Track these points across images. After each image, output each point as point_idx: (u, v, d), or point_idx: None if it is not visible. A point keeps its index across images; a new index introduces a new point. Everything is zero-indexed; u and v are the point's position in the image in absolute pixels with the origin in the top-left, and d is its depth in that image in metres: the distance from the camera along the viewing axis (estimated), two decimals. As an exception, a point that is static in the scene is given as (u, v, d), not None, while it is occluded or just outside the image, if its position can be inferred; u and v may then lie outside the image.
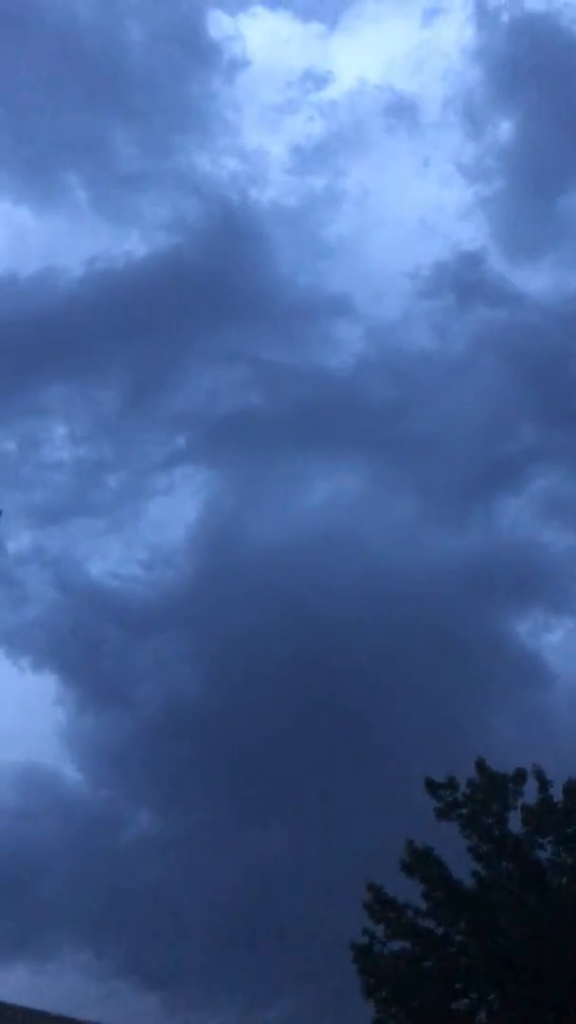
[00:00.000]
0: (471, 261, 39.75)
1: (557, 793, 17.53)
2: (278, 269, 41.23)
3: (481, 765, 17.93)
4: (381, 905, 17.08)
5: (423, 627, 34.65)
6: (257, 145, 43.16)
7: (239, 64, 42.87)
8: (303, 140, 43.10)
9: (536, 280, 40.09)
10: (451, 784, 17.84)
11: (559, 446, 38.10)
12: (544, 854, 17.17)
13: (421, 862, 17.17)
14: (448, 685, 32.81)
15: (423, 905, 16.91)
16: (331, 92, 43.46)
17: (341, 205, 42.30)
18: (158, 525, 39.12)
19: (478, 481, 38.40)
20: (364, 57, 49.34)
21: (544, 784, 17.60)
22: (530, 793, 17.64)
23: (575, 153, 42.49)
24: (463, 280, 39.52)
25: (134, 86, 42.12)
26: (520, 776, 17.77)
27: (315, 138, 43.01)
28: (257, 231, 41.22)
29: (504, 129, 41.15)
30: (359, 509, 39.05)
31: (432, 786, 17.88)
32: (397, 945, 16.88)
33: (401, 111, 42.85)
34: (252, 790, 30.47)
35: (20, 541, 37.27)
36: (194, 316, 40.89)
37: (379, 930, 16.87)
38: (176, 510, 39.48)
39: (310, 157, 42.77)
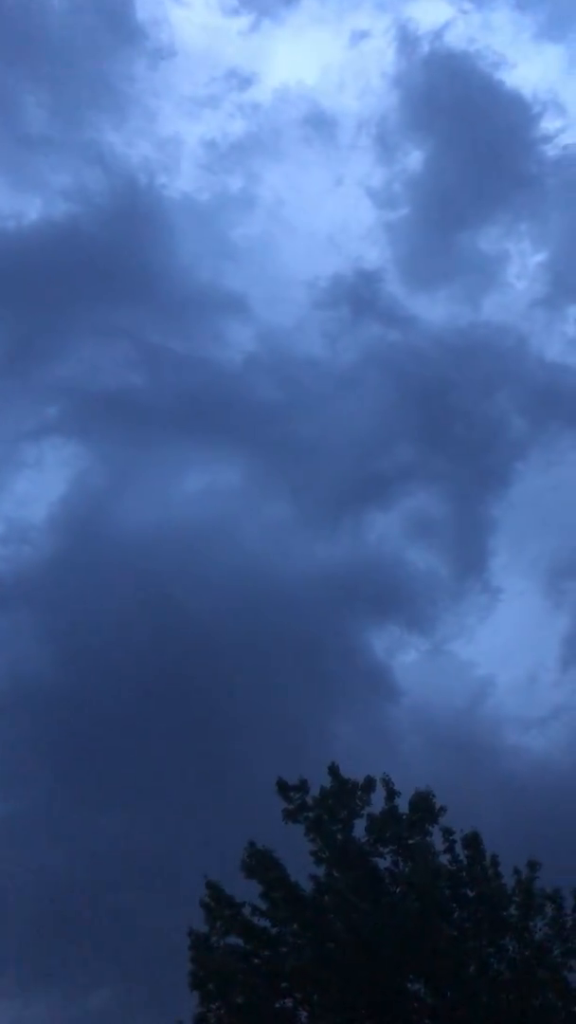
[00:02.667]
0: (369, 279, 40.66)
1: (403, 804, 18.04)
2: (178, 258, 41.05)
3: (334, 771, 18.24)
4: (218, 902, 17.12)
5: (282, 629, 35.10)
6: (172, 134, 42.82)
7: (164, 52, 42.48)
8: (219, 137, 43.01)
9: (429, 309, 41.36)
10: (301, 787, 18.07)
11: (432, 469, 39.41)
12: (384, 863, 17.62)
13: (261, 863, 17.29)
14: (300, 689, 33.35)
15: (262, 904, 17.02)
16: (254, 94, 43.63)
17: (251, 209, 42.54)
18: (20, 498, 38.04)
19: (351, 493, 39.23)
20: (291, 65, 49.77)
21: (392, 794, 18.07)
22: (378, 802, 18.10)
23: (479, 192, 43.89)
24: (359, 296, 40.45)
25: (52, 52, 41.15)
26: (369, 784, 18.18)
27: (232, 137, 43.02)
28: (162, 218, 40.96)
29: (414, 158, 42.24)
30: (232, 504, 39.22)
31: (283, 787, 18.05)
32: (231, 942, 16.96)
33: (320, 124, 43.44)
34: (92, 774, 29.99)
35: None
36: (83, 289, 40.21)
37: (215, 926, 16.88)
38: (41, 484, 38.50)
39: (225, 155, 42.73)
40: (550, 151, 41.26)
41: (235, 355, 39.99)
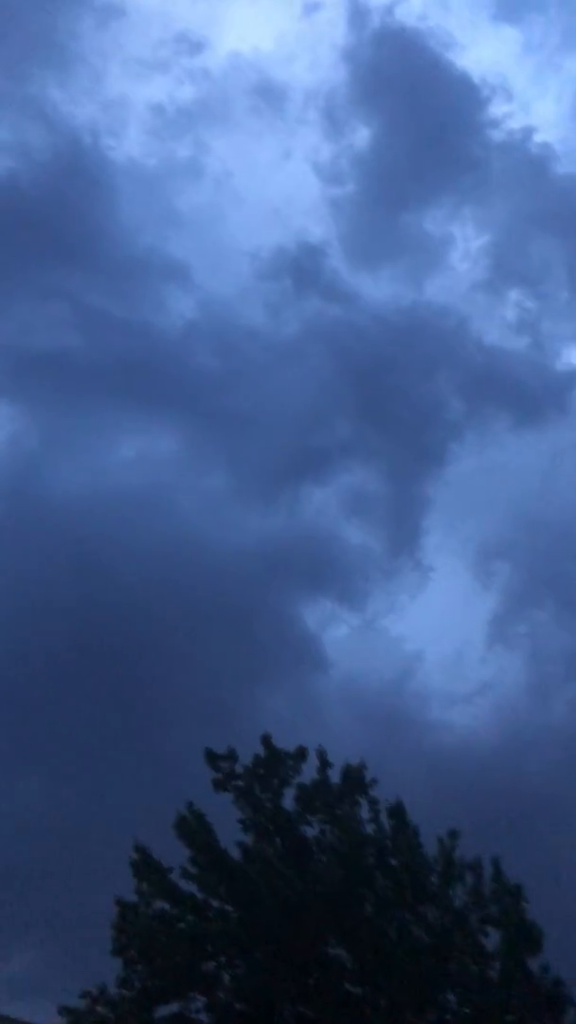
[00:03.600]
0: (312, 253, 40.52)
1: (335, 775, 18.31)
2: (121, 222, 40.29)
3: (266, 740, 18.41)
4: (146, 866, 17.20)
5: (214, 599, 35.09)
6: (118, 96, 41.87)
7: (114, 10, 41.37)
8: (167, 102, 42.25)
9: (372, 287, 41.46)
10: (230, 756, 18.22)
11: (370, 446, 39.67)
12: (312, 832, 17.90)
13: (192, 827, 17.42)
14: (230, 659, 33.46)
15: (191, 870, 17.16)
16: (205, 59, 42.87)
17: (198, 177, 41.93)
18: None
19: (289, 466, 39.24)
20: (243, 32, 49.04)
21: (324, 764, 18.33)
22: (309, 772, 18.34)
23: (424, 172, 44.01)
24: (302, 269, 40.25)
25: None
26: (300, 754, 18.41)
27: (181, 102, 42.28)
28: (106, 180, 40.08)
29: (361, 135, 42.12)
30: (168, 473, 38.94)
31: (212, 757, 18.17)
32: (157, 906, 17.08)
33: (270, 95, 42.88)
34: (15, 739, 29.66)
35: None
36: (20, 246, 39.15)
37: (142, 889, 16.98)
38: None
39: (173, 121, 42.00)
40: (496, 135, 41.55)
41: (175, 322, 39.59)
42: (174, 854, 17.58)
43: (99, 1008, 16.02)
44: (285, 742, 18.56)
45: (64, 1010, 15.71)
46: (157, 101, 42.11)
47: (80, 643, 32.43)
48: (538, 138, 41.78)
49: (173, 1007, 16.51)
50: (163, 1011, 16.42)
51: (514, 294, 40.72)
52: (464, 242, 41.84)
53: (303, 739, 18.85)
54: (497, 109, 42.29)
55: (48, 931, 21.16)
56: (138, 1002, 16.20)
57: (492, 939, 17.06)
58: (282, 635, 35.09)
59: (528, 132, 42.05)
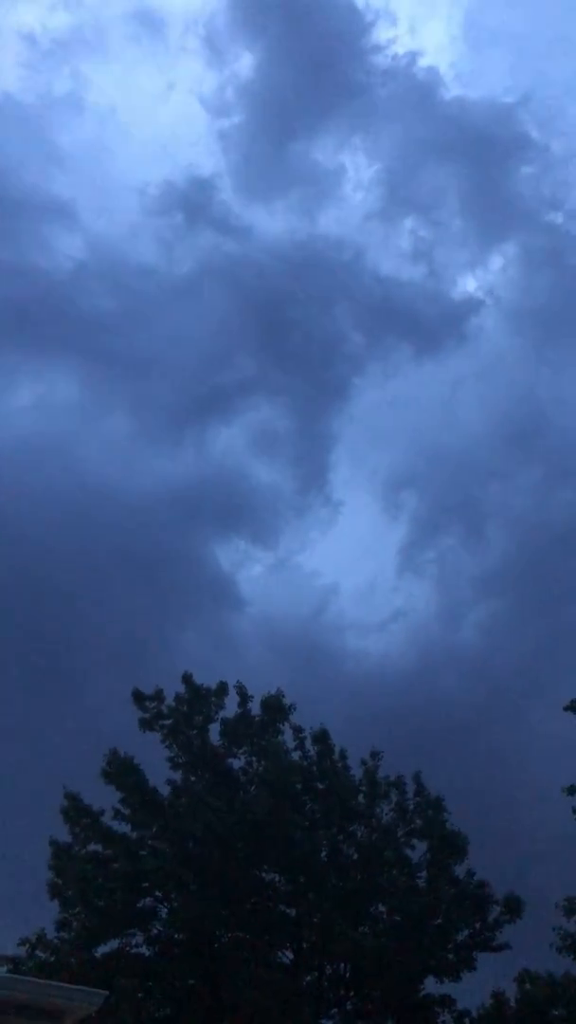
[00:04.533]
0: (202, 186, 39.56)
1: (255, 708, 18.63)
2: (-1, 161, 38.39)
3: (187, 679, 18.54)
4: (77, 811, 17.26)
5: (125, 545, 34.79)
6: None
7: None
8: (40, 31, 40.21)
9: (265, 220, 40.86)
10: (157, 696, 18.30)
11: (273, 383, 39.48)
12: (238, 764, 18.25)
13: (120, 771, 17.51)
14: (144, 603, 33.38)
15: (123, 811, 17.29)
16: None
17: (79, 112, 40.20)
18: None
19: (192, 406, 38.82)
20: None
21: (244, 699, 18.61)
22: (231, 708, 18.62)
23: (312, 101, 43.23)
24: (192, 202, 39.25)
25: None
26: (222, 690, 18.63)
27: (55, 32, 40.28)
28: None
29: (245, 63, 41.02)
30: (69, 418, 38.05)
31: (139, 697, 18.21)
32: (91, 848, 17.21)
33: (148, 23, 41.25)
34: None
35: None
36: None
37: (76, 834, 17.07)
38: None
39: (48, 52, 40.00)
40: (381, 61, 41.03)
41: (63, 263, 38.23)
42: (105, 796, 17.72)
43: (39, 953, 16.13)
44: (206, 680, 18.72)
45: (2, 959, 15.75)
46: (28, 30, 40.06)
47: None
48: (424, 62, 41.54)
49: (113, 944, 16.76)
50: (103, 949, 16.65)
51: (408, 223, 40.73)
52: (355, 171, 41.59)
53: (223, 677, 19.04)
54: (382, 34, 41.71)
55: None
56: (78, 943, 16.39)
57: (418, 851, 17.83)
58: (196, 576, 35.14)
59: (414, 57, 41.77)
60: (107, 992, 10.07)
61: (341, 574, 38.26)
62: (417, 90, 39.77)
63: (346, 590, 35.86)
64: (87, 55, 41.39)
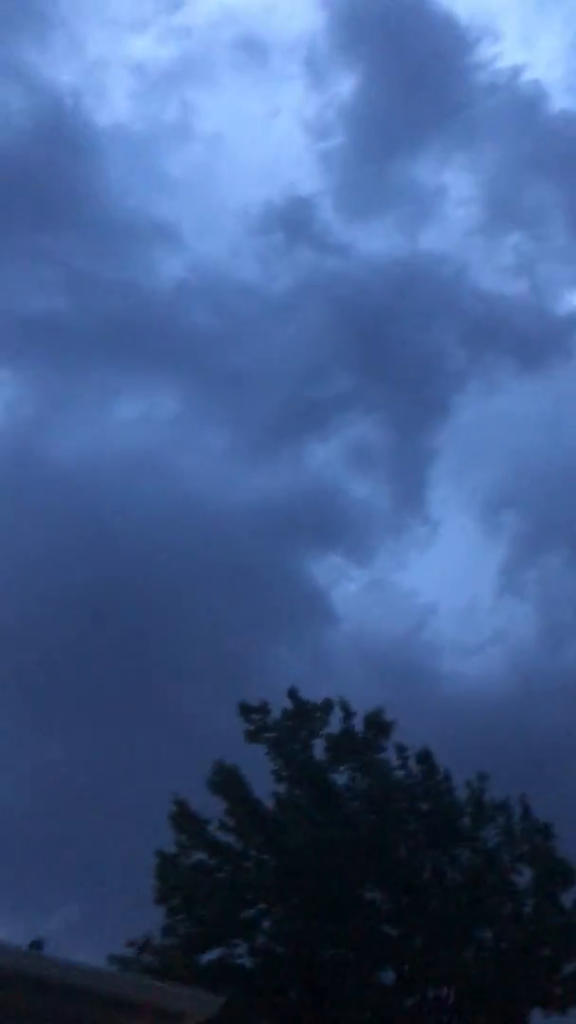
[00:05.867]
0: (303, 205, 39.93)
1: (359, 724, 18.61)
2: (107, 185, 39.62)
3: (293, 693, 18.66)
4: (185, 819, 17.50)
5: (220, 559, 35.14)
6: (99, 57, 40.95)
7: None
8: (150, 62, 41.43)
9: (365, 239, 41.00)
10: (262, 709, 18.46)
11: (371, 399, 39.42)
12: (341, 779, 18.23)
13: (226, 781, 17.69)
14: (239, 618, 33.60)
15: (228, 821, 17.47)
16: (184, 17, 42.02)
17: (184, 139, 41.24)
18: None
19: (290, 422, 39.01)
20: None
21: (348, 714, 18.62)
22: (335, 723, 18.64)
23: (412, 119, 43.24)
24: (293, 220, 39.52)
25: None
26: (327, 706, 18.68)
27: (164, 62, 41.43)
28: (91, 143, 39.31)
29: (346, 85, 41.35)
30: (168, 433, 38.75)
31: (245, 709, 18.41)
32: (196, 857, 17.42)
33: (252, 51, 42.01)
34: (33, 707, 29.90)
35: None
36: (2, 213, 38.51)
37: (182, 841, 17.31)
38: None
39: (157, 82, 41.12)
40: (484, 77, 40.84)
41: (166, 281, 39.14)
42: (203, 806, 17.87)
43: (146, 956, 16.37)
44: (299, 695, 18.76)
45: (113, 959, 16.05)
46: (139, 61, 41.27)
47: (89, 610, 32.49)
48: (529, 76, 41.15)
49: (217, 953, 16.90)
50: (207, 957, 16.79)
51: (511, 238, 40.32)
52: (457, 188, 41.38)
53: (315, 694, 19.09)
54: (485, 50, 41.57)
55: (87, 885, 21.54)
56: (183, 949, 16.56)
57: (524, 877, 17.49)
58: (290, 592, 35.25)
59: (517, 71, 41.39)
60: (224, 999, 10.15)
61: (439, 594, 37.80)
62: (520, 104, 39.49)
63: (444, 610, 35.38)
64: (194, 83, 42.37)
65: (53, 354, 39.21)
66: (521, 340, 37.93)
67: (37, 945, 9.23)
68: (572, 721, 28.18)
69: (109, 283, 38.95)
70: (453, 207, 41.34)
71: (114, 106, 40.73)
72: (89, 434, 38.37)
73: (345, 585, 36.30)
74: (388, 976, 17.12)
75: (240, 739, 18.51)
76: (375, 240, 41.25)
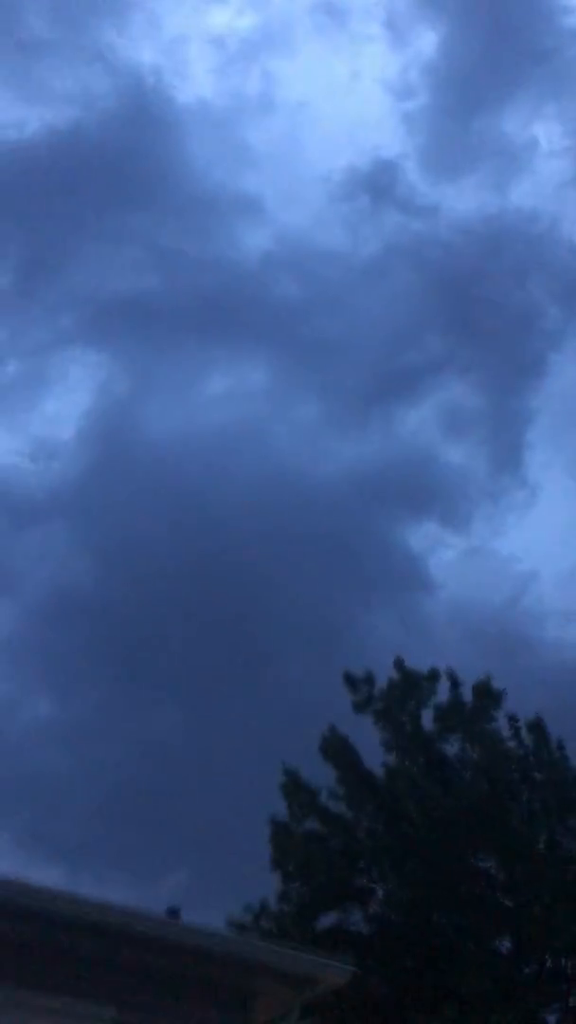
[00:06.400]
0: (387, 168, 39.15)
1: (467, 693, 18.45)
2: (190, 161, 39.59)
3: (399, 663, 18.60)
4: (296, 787, 17.69)
5: (315, 529, 35.18)
6: (178, 34, 40.92)
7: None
8: (228, 33, 41.09)
9: (453, 197, 40.16)
10: (368, 679, 18.47)
11: (464, 361, 38.65)
12: (452, 750, 18.14)
13: (336, 749, 17.80)
14: (335, 587, 33.67)
15: (339, 790, 17.60)
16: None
17: (266, 110, 40.90)
18: (46, 413, 37.76)
19: (380, 388, 38.62)
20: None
21: (455, 684, 18.46)
22: (442, 693, 18.51)
23: (498, 73, 41.90)
24: (377, 184, 38.82)
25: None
26: (433, 676, 18.56)
27: (242, 33, 41.04)
28: (172, 120, 39.32)
29: (427, 42, 40.29)
30: (259, 406, 38.82)
31: (350, 680, 18.45)
32: (308, 825, 17.61)
33: (332, 14, 41.21)
34: (142, 679, 30.65)
35: None
36: (91, 195, 38.81)
37: (294, 810, 17.51)
38: (64, 396, 38.13)
39: (236, 54, 40.76)
40: (572, 21, 39.31)
41: (251, 254, 39.03)
42: (319, 776, 18.03)
43: (262, 922, 16.67)
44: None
45: (231, 923, 16.40)
46: (217, 34, 41.02)
47: (187, 583, 33.00)
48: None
49: (331, 919, 17.10)
50: (322, 923, 17.02)
51: (604, 190, 38.86)
52: (547, 140, 40.10)
53: (415, 661, 18.92)
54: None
55: (194, 855, 22.08)
56: (298, 915, 16.81)
57: None
58: (386, 559, 35.08)
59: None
60: (355, 968, 10.22)
61: (540, 559, 37.16)
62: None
63: (545, 576, 34.80)
64: (275, 53, 41.99)
65: (143, 333, 39.65)
66: (618, 295, 36.64)
67: (173, 912, 9.44)
68: None
69: (195, 259, 39.09)
70: (544, 160, 40.19)
71: (195, 81, 40.71)
72: (182, 411, 38.83)
73: (442, 552, 36.05)
74: (505, 945, 17.07)
75: (344, 709, 18.62)
76: (463, 199, 40.47)
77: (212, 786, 25.35)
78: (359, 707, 18.22)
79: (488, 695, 18.37)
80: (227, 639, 31.00)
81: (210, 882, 21.81)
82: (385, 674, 18.31)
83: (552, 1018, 16.59)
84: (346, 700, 18.52)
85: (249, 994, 9.12)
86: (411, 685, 18.42)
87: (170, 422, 38.14)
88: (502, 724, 18.30)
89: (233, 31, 41.25)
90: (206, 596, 32.53)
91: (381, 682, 18.57)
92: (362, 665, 18.85)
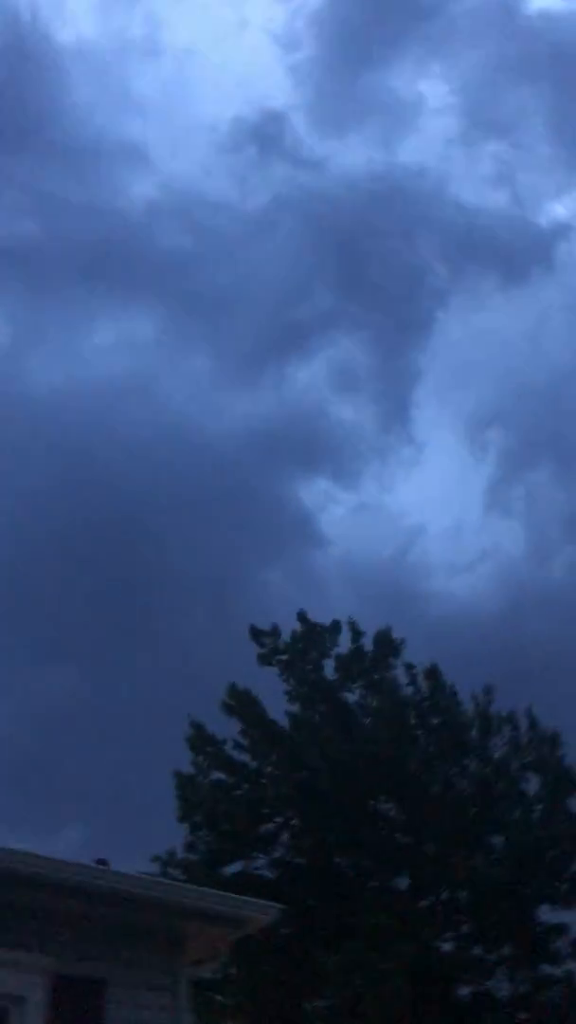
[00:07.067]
0: (275, 119, 38.73)
1: (368, 643, 18.97)
2: (71, 104, 38.18)
3: (302, 616, 18.93)
4: (202, 740, 17.86)
5: (206, 483, 35.13)
6: None
7: None
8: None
9: (341, 152, 40.22)
10: (273, 632, 18.74)
11: (353, 318, 38.95)
12: (353, 698, 18.67)
13: (240, 702, 18.03)
14: (227, 542, 33.80)
15: (243, 741, 17.88)
16: None
17: (152, 56, 39.64)
18: None
19: (271, 343, 38.57)
20: None
21: (357, 634, 18.95)
22: (343, 645, 18.98)
23: (384, 28, 41.87)
24: (265, 135, 38.38)
25: None
26: (335, 627, 18.99)
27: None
28: (51, 58, 37.64)
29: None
30: (148, 357, 38.25)
31: (256, 633, 18.67)
32: (214, 776, 17.85)
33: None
34: (35, 635, 30.06)
35: None
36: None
37: (200, 762, 17.70)
38: None
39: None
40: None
41: (137, 202, 38.02)
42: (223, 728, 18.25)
43: (170, 871, 16.86)
44: (289, 619, 19.03)
45: (141, 875, 16.45)
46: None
47: (78, 539, 32.43)
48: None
49: (238, 866, 17.45)
50: (230, 870, 17.35)
51: (491, 147, 39.62)
52: (434, 98, 40.47)
53: (308, 615, 19.24)
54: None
55: (93, 805, 22.04)
56: (206, 864, 17.07)
57: (532, 785, 18.16)
58: (278, 515, 35.41)
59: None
60: (283, 906, 10.49)
61: (427, 514, 38.24)
62: (496, 5, 38.32)
63: (432, 531, 35.87)
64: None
65: (23, 280, 38.29)
66: (503, 253, 37.55)
67: (102, 862, 9.47)
68: (561, 634, 28.98)
69: (77, 205, 37.79)
70: (430, 117, 40.52)
71: (75, 20, 39.04)
72: (66, 360, 37.82)
73: (333, 509, 36.61)
74: (403, 882, 17.83)
75: (244, 662, 18.86)
76: (351, 154, 40.52)
77: (110, 742, 25.29)
78: (264, 659, 18.50)
79: (388, 644, 18.94)
80: (120, 595, 30.78)
81: (110, 836, 21.82)
82: (282, 627, 18.60)
83: (447, 946, 17.48)
84: (245, 652, 18.85)
85: (180, 936, 9.26)
86: (314, 637, 18.78)
87: (54, 373, 37.17)
88: (400, 673, 18.94)
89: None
90: (97, 553, 32.11)
91: (285, 635, 18.90)
92: (256, 619, 19.17)
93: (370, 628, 19.14)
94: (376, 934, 16.42)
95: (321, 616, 19.13)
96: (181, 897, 9.45)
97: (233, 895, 10.15)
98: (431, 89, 41.53)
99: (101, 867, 9.19)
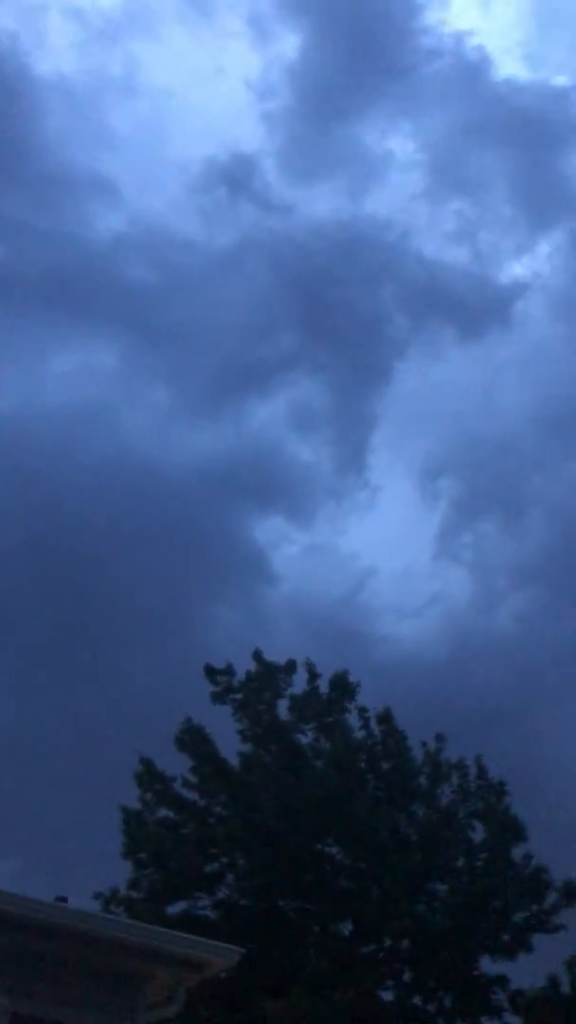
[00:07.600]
0: (245, 162, 39.31)
1: (324, 685, 19.03)
2: (44, 136, 38.28)
3: (257, 655, 18.94)
4: (150, 777, 17.66)
5: (160, 516, 34.97)
6: (37, 3, 39.49)
7: None
8: (92, 11, 40.05)
9: (310, 200, 40.91)
10: (228, 671, 18.69)
11: (314, 360, 39.40)
12: (306, 739, 18.66)
13: (193, 739, 17.91)
14: (179, 576, 33.64)
15: (192, 779, 17.72)
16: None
17: (129, 94, 40.13)
18: None
19: (231, 380, 38.77)
20: None
21: (313, 676, 19.01)
22: (298, 684, 19.01)
23: (358, 83, 42.93)
24: (235, 177, 38.97)
25: None
26: (290, 666, 19.03)
27: (106, 11, 40.08)
28: (26, 88, 37.81)
29: (290, 44, 40.86)
30: (108, 388, 38.10)
31: (210, 672, 18.61)
32: (161, 813, 17.64)
33: (197, 6, 40.99)
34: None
35: None
36: None
37: (147, 799, 17.49)
38: None
39: (98, 34, 39.78)
40: (429, 41, 40.73)
41: (103, 233, 38.19)
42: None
43: (111, 909, 16.55)
44: (238, 656, 19.06)
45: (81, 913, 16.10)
46: (77, 7, 39.87)
47: (27, 568, 32.00)
48: (474, 42, 41.26)
49: (181, 905, 17.21)
50: (172, 909, 17.09)
51: (454, 205, 40.61)
52: (401, 153, 41.42)
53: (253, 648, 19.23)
54: (432, 15, 41.38)
55: (23, 843, 21.49)
56: (149, 902, 16.81)
57: (478, 833, 18.30)
58: (230, 551, 35.39)
59: (462, 37, 41.49)
60: (244, 950, 10.38)
61: (377, 557, 38.52)
62: (465, 70, 39.56)
63: (382, 574, 36.12)
64: (137, 35, 41.34)
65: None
66: (462, 308, 38.42)
67: (62, 899, 9.33)
68: (505, 683, 29.40)
69: (44, 234, 37.80)
70: (398, 172, 41.43)
71: (55, 54, 39.43)
72: (23, 387, 37.52)
73: (285, 547, 36.70)
74: (347, 928, 17.75)
75: (194, 697, 18.74)
76: (319, 202, 41.18)
77: (50, 775, 24.78)
78: (218, 697, 18.42)
79: (344, 687, 19.02)
80: (67, 626, 30.35)
81: (45, 871, 21.32)
82: (232, 663, 18.60)
83: (387, 994, 17.40)
84: (196, 688, 18.76)
85: (139, 978, 9.13)
86: (268, 676, 18.79)
87: (11, 398, 36.83)
88: (354, 716, 19.00)
89: (96, 7, 40.22)
90: (45, 581, 31.69)
91: (239, 674, 18.87)
92: (203, 654, 19.17)
93: (319, 668, 19.29)
94: (318, 980, 16.32)
95: (270, 653, 19.22)
96: (142, 938, 9.34)
97: (196, 937, 10.07)
98: (399, 145, 42.47)
99: (58, 904, 9.06)
